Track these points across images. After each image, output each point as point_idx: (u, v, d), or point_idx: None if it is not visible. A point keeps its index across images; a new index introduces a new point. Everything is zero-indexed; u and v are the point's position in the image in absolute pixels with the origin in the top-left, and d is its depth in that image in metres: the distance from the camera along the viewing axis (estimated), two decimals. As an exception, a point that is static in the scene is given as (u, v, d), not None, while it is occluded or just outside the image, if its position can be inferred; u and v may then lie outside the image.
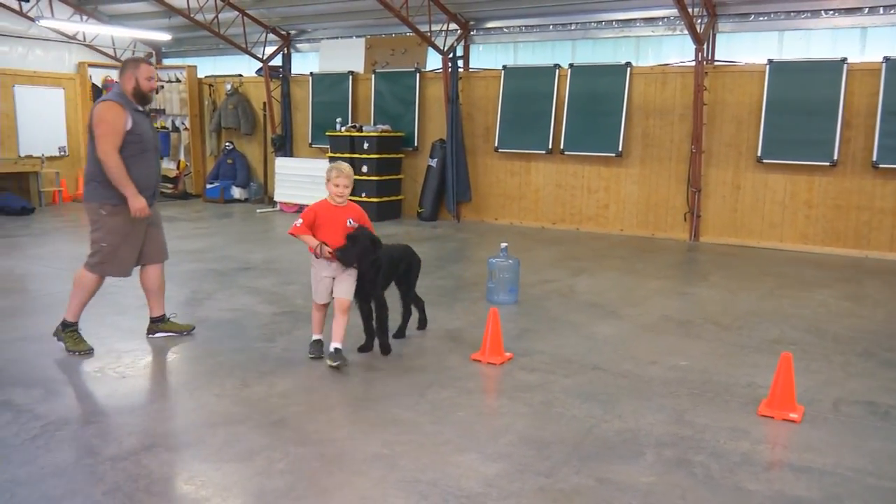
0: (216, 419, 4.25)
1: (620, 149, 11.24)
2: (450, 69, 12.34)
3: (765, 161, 10.37)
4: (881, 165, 9.69)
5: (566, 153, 11.65)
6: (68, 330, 5.36)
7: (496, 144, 12.31)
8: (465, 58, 12.94)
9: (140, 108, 5.25)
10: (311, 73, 14.19)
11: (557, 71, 11.81)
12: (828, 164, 9.99)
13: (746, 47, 11.01)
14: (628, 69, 11.25)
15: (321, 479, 3.57)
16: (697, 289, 7.95)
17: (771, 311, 7.00)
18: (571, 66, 11.70)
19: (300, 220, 5.10)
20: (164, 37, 14.52)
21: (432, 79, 12.98)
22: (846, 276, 8.68)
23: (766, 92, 10.32)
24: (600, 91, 11.44)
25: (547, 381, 4.94)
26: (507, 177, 12.51)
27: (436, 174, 12.60)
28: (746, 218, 10.72)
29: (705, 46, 10.74)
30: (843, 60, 9.95)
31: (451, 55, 12.37)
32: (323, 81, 14.03)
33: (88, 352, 5.33)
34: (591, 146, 11.46)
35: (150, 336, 5.78)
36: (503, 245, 7.11)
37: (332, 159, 12.82)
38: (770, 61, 10.36)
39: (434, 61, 13.05)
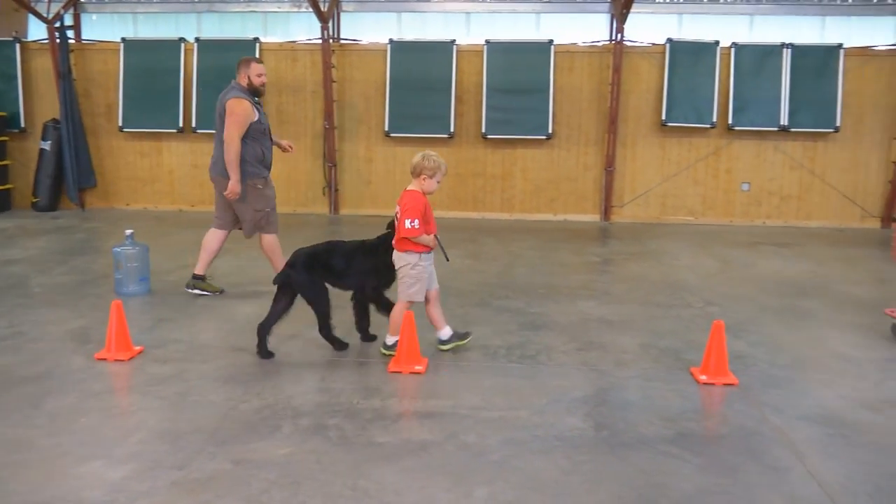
0: None
1: (256, 126, 11.10)
2: (58, 40, 11.03)
3: (392, 135, 11.03)
4: (489, 136, 10.90)
5: (199, 132, 11.16)
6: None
7: (121, 124, 11.34)
8: (77, 28, 11.67)
9: (256, 100, 6.22)
10: None
11: (183, 45, 11.22)
12: (446, 136, 10.96)
13: (369, 27, 11.57)
14: (257, 45, 11.11)
15: None
16: (338, 260, 8.21)
17: (403, 274, 7.49)
18: (198, 40, 11.21)
19: (417, 221, 4.63)
20: None
21: (38, 50, 11.48)
22: (468, 237, 9.64)
23: (389, 70, 10.95)
24: (230, 67, 10.99)
25: (183, 371, 4.71)
26: (136, 158, 11.63)
27: (51, 158, 11.22)
28: (380, 189, 11.33)
29: (331, 25, 11.02)
30: (453, 42, 10.94)
31: (57, 24, 11.06)
32: None
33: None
34: (226, 124, 11.14)
35: (188, 289, 6.54)
36: (128, 232, 6.59)
37: None
38: (391, 41, 10.99)
39: (38, 30, 11.56)
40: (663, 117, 10.75)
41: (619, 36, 10.64)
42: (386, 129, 11.01)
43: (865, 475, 3.51)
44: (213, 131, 6.39)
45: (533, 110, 10.82)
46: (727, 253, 8.90)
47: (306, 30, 11.47)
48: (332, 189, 11.27)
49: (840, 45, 10.66)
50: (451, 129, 10.92)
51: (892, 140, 10.84)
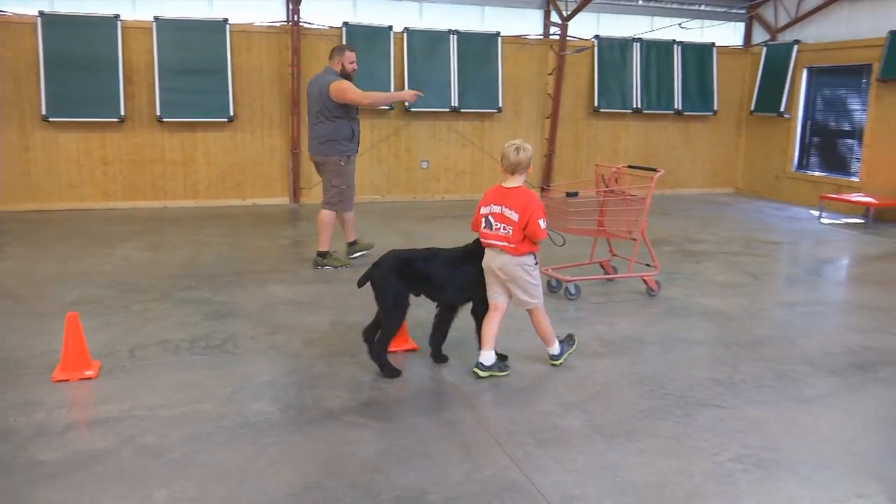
0: None
1: None
2: None
3: (52, 120, 9.91)
4: (165, 119, 10.28)
5: None
6: (327, 257, 7.13)
7: None
8: None
9: None
10: None
11: None
12: (116, 120, 10.12)
13: (14, -3, 10.19)
14: None
15: None
16: (-9, 263, 7.23)
17: (73, 273, 6.82)
18: None
19: (544, 220, 4.38)
20: None
21: None
22: (148, 228, 9.04)
23: (42, 47, 9.79)
24: None
25: None
26: None
27: None
28: (43, 181, 10.14)
29: (-37, -8, 9.54)
30: (117, 17, 10.09)
31: None
32: None
33: (349, 264, 7.19)
34: None
35: (351, 258, 7.35)
36: None
37: None
38: (41, 13, 9.82)
39: None
40: (344, 99, 10.97)
41: (295, 17, 10.63)
42: (43, 112, 9.85)
43: (523, 416, 3.95)
44: None
45: (212, 91, 10.42)
46: (410, 227, 9.42)
47: (-69, -3, 9.80)
48: (-20, 182, 9.85)
49: (498, 33, 11.75)
50: (122, 113, 10.11)
51: (545, 119, 12.24)
